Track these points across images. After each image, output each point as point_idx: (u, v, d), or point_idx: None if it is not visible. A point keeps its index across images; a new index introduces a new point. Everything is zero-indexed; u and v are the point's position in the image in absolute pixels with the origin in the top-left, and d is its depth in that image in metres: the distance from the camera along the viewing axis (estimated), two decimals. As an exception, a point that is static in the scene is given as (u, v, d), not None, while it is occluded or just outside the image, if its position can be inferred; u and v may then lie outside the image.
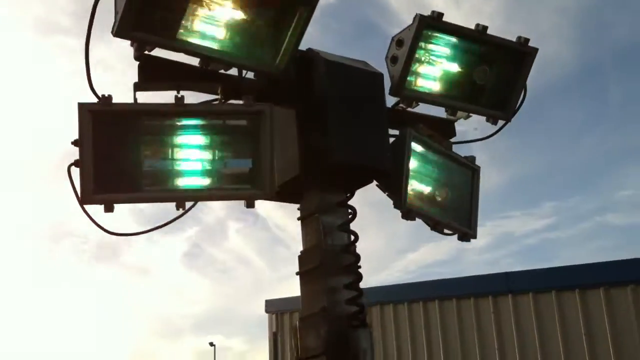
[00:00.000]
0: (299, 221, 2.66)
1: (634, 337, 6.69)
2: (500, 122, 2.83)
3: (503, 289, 7.99)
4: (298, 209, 2.67)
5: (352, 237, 2.54)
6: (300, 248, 2.65)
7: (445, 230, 2.79)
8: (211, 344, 54.25)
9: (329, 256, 2.53)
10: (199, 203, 2.41)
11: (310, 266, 2.59)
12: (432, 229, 2.75)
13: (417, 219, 2.65)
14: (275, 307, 11.46)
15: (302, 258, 2.64)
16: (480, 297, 8.15)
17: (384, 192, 2.64)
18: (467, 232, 2.86)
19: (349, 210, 2.55)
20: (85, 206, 2.20)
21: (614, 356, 6.76)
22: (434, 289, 8.81)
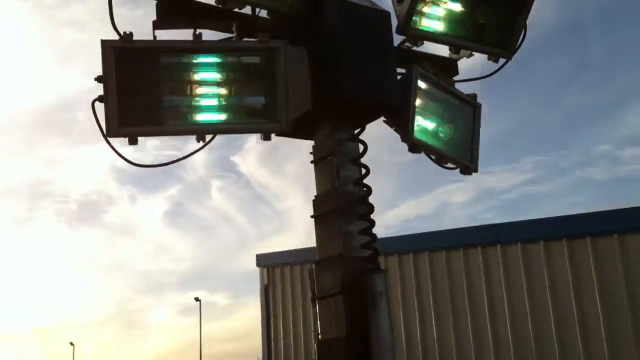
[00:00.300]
0: (312, 164, 2.77)
1: (619, 284, 6.87)
2: (502, 61, 2.94)
3: (492, 239, 8.14)
4: (310, 152, 2.78)
5: (364, 171, 2.66)
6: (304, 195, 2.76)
7: (449, 164, 2.93)
8: (196, 299, 54.79)
9: (343, 199, 2.65)
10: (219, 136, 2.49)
11: (325, 209, 2.70)
12: (436, 163, 2.89)
13: (422, 152, 2.79)
14: (266, 261, 11.64)
15: (316, 202, 2.75)
16: (470, 248, 8.32)
17: (391, 126, 2.76)
18: (469, 166, 3.00)
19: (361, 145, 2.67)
20: (110, 139, 2.30)
21: (599, 303, 6.95)
22: (424, 241, 8.96)
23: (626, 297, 6.74)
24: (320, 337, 2.70)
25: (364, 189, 2.67)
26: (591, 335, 6.90)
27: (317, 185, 2.75)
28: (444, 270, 8.51)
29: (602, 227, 7.19)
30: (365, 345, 2.51)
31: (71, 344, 57.24)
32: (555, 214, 7.94)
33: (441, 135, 2.90)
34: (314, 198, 2.75)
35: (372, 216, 2.68)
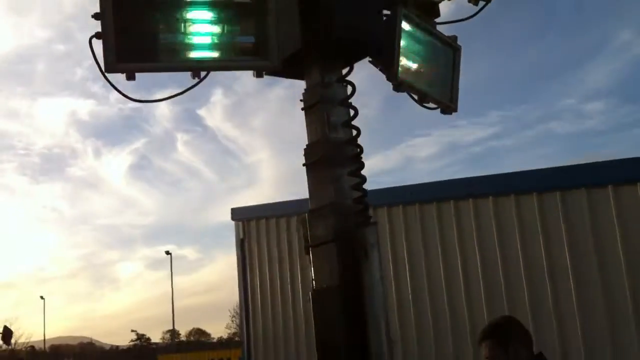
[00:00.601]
0: (303, 111, 2.86)
1: (586, 236, 7.10)
2: (481, 3, 3.06)
3: (463, 193, 8.32)
4: (301, 100, 2.87)
5: (353, 112, 2.77)
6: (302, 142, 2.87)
7: (430, 104, 3.06)
8: (167, 253, 55.22)
9: (333, 147, 2.75)
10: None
11: (316, 158, 2.80)
12: (418, 103, 3.01)
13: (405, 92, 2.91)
14: (241, 215, 11.73)
15: (307, 150, 2.85)
16: (443, 202, 8.50)
17: (377, 67, 2.86)
18: (449, 105, 3.15)
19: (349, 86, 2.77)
20: (108, 75, 2.37)
21: (568, 254, 7.18)
22: (397, 195, 9.10)
23: (593, 246, 6.98)
24: (314, 286, 2.82)
25: (354, 130, 2.78)
26: (559, 282, 7.16)
27: (308, 133, 2.85)
28: (417, 223, 8.69)
29: (571, 182, 7.39)
30: (358, 294, 2.63)
31: (41, 297, 57.13)
32: (520, 168, 8.17)
33: (423, 75, 3.03)
34: (305, 147, 2.85)
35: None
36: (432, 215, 8.55)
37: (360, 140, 2.79)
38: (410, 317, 8.48)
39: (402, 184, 9.42)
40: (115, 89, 2.42)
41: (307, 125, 2.87)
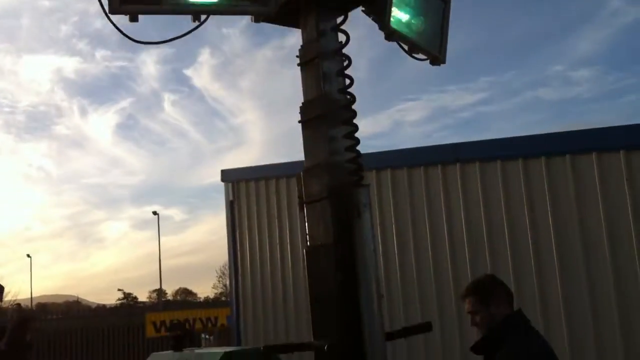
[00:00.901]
0: (299, 67, 2.98)
1: (570, 202, 7.28)
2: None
3: (451, 158, 8.48)
4: (297, 55, 2.98)
5: (346, 62, 2.90)
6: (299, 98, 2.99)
7: (420, 55, 3.20)
8: (154, 213, 55.38)
9: (330, 105, 2.87)
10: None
11: (312, 115, 2.92)
12: (408, 54, 3.16)
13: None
14: (231, 177, 11.86)
15: (303, 107, 2.97)
16: (430, 166, 8.65)
17: (369, 15, 3.00)
18: (437, 57, 3.30)
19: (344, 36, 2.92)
20: (112, 16, 2.48)
21: (551, 219, 7.38)
22: (386, 159, 9.23)
23: (576, 212, 7.18)
24: (308, 242, 2.95)
25: (347, 79, 2.91)
26: (542, 245, 7.37)
27: (303, 89, 2.97)
28: (405, 186, 8.85)
29: (556, 148, 7.55)
30: (350, 251, 2.77)
31: (28, 255, 57.13)
32: (508, 134, 8.31)
33: (414, 26, 3.17)
34: (301, 104, 2.96)
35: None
36: (419, 179, 8.71)
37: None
38: (396, 276, 8.70)
39: (391, 149, 9.54)
40: (119, 30, 2.53)
41: (303, 81, 2.99)
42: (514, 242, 7.61)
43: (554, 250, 7.27)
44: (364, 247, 2.76)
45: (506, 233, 7.68)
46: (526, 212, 7.58)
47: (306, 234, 2.93)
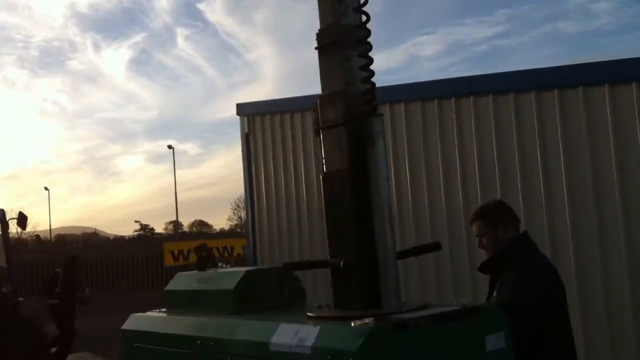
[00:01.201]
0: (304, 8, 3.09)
1: (581, 134, 7.39)
2: None
3: (465, 91, 8.56)
4: None
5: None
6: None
7: None
8: (169, 147, 55.88)
9: (345, 32, 2.99)
10: None
11: (328, 41, 3.05)
12: None
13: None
14: (246, 110, 12.01)
15: (320, 34, 3.09)
16: (444, 99, 8.75)
17: None
18: None
19: None
20: None
21: (562, 151, 7.51)
22: (399, 93, 9.32)
23: (588, 147, 7.30)
24: (325, 169, 3.12)
25: (364, 16, 3.02)
26: (552, 178, 7.53)
27: (320, 17, 3.08)
28: (419, 119, 8.97)
29: (568, 80, 7.60)
30: (365, 177, 2.94)
31: (46, 188, 57.93)
32: (525, 67, 8.31)
33: None
34: (317, 31, 3.09)
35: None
36: (433, 112, 8.82)
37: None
38: (408, 204, 8.91)
39: (409, 82, 9.60)
40: None
41: (319, 8, 3.08)
42: (524, 173, 7.77)
43: (564, 182, 7.43)
44: (377, 173, 2.93)
45: (517, 164, 7.83)
46: (537, 144, 7.70)
47: (322, 160, 3.09)
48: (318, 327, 2.67)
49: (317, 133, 3.12)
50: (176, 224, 60.37)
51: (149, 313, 3.91)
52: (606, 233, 7.10)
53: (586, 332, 6.90)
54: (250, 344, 2.93)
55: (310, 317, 2.93)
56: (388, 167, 3.01)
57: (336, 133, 2.99)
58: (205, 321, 3.34)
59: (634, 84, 6.94)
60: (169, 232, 65.56)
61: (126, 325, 3.88)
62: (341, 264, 2.89)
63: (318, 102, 3.09)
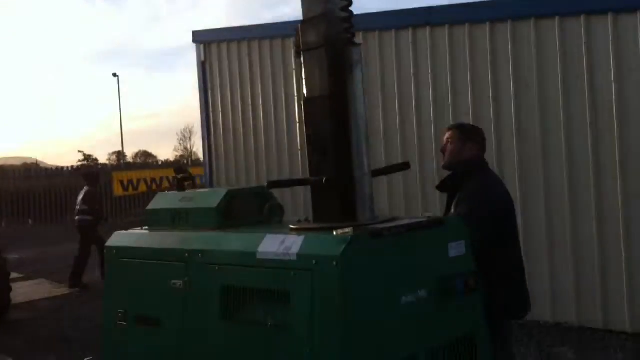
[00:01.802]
0: None
1: (530, 65, 7.73)
2: None
3: (422, 21, 8.74)
4: None
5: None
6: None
7: None
8: (114, 75, 54.72)
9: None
10: None
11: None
12: None
13: None
14: (203, 38, 11.94)
15: None
16: (401, 30, 8.93)
17: None
18: None
19: None
20: None
21: (512, 80, 7.85)
22: (389, 20, 9.26)
23: (535, 74, 7.67)
24: (305, 92, 3.30)
25: None
26: (502, 102, 7.92)
27: None
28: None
29: (521, 13, 7.86)
30: (344, 102, 3.13)
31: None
32: None
33: None
34: None
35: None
36: (390, 42, 9.00)
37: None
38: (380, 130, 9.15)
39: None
40: None
41: None
42: (475, 100, 8.11)
43: (512, 108, 7.81)
44: (355, 99, 3.14)
45: (469, 93, 8.15)
46: (489, 74, 8.02)
47: (303, 82, 3.27)
48: (302, 237, 2.91)
49: (298, 55, 3.27)
50: (121, 154, 59.55)
51: (131, 230, 4.08)
52: (550, 152, 7.57)
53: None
54: (238, 254, 3.15)
55: (294, 229, 3.18)
56: (366, 95, 3.22)
57: (317, 55, 3.16)
58: (191, 235, 3.53)
59: (582, 16, 7.29)
60: (113, 162, 64.69)
61: (110, 242, 4.00)
62: (324, 180, 3.13)
63: (299, 26, 3.24)
